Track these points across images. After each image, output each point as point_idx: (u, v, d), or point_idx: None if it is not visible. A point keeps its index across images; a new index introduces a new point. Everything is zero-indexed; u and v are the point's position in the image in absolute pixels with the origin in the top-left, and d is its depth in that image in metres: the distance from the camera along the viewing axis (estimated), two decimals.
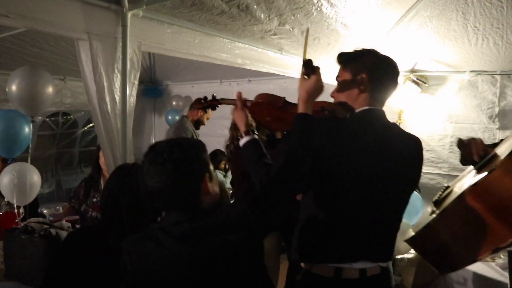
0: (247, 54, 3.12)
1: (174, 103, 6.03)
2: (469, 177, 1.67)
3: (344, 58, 1.65)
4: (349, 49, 3.76)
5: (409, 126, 4.41)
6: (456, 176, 4.07)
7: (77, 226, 2.53)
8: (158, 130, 6.66)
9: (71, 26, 2.01)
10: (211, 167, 1.41)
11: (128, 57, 2.23)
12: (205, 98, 1.98)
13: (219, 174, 5.01)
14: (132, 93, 2.28)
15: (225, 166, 5.31)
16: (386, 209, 1.54)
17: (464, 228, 1.48)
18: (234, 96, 5.93)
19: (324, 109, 1.58)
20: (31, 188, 2.66)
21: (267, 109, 1.74)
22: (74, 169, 5.95)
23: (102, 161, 3.02)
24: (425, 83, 4.25)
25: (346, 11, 3.02)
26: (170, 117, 5.87)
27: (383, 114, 1.61)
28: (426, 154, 4.36)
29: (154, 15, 2.38)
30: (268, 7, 2.62)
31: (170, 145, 1.33)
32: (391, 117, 4.29)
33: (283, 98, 1.74)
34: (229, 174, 5.04)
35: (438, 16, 3.43)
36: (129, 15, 2.19)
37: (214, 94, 2.01)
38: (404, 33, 3.67)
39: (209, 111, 4.54)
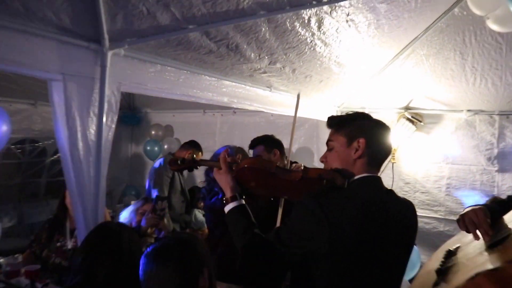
0: (234, 92, 3.10)
1: (153, 132, 5.98)
2: (478, 249, 1.63)
3: (336, 122, 1.65)
4: (342, 85, 3.82)
5: (403, 166, 4.44)
6: (453, 220, 4.15)
7: (37, 283, 2.41)
8: (135, 161, 6.57)
9: (44, 67, 1.94)
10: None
11: (106, 99, 2.17)
12: (183, 159, 1.91)
13: (199, 214, 4.93)
14: (108, 138, 2.21)
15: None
16: (390, 277, 1.58)
17: None
18: (217, 128, 5.89)
19: (322, 177, 1.53)
20: None
21: (256, 174, 1.68)
22: (39, 201, 5.75)
23: (68, 201, 2.94)
24: (420, 121, 4.30)
25: (340, 50, 3.05)
26: (148, 148, 5.81)
27: (380, 180, 1.60)
28: (421, 197, 4.38)
29: (137, 54, 2.34)
30: (259, 47, 2.62)
31: (170, 244, 1.48)
32: None
33: (275, 164, 1.69)
34: None
35: (435, 55, 3.50)
36: (109, 54, 2.14)
37: (194, 156, 1.94)
38: (399, 71, 3.73)
39: (200, 154, 4.51)
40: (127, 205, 5.04)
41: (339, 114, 4.51)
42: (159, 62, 2.51)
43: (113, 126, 2.25)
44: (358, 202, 1.47)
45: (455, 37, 3.29)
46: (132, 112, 6.36)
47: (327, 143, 1.65)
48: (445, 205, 4.26)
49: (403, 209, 1.63)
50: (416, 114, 4.31)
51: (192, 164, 1.87)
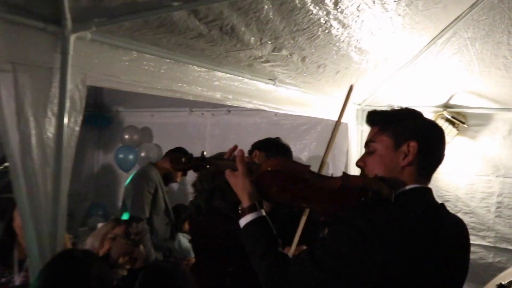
0: (229, 86, 3.11)
1: (126, 136, 6.00)
2: None
3: (382, 119, 1.68)
4: (364, 78, 3.82)
5: (441, 179, 4.43)
6: (505, 249, 4.12)
7: None
8: (102, 172, 6.59)
9: None
10: None
11: (68, 94, 2.16)
12: (190, 156, 1.91)
13: (183, 238, 4.93)
14: (70, 143, 2.21)
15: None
16: None
17: None
18: (207, 131, 5.92)
19: (367, 187, 1.54)
20: None
21: (282, 179, 1.68)
22: None
23: (17, 224, 2.93)
24: (463, 122, 4.29)
25: (362, 33, 3.06)
26: (121, 156, 5.82)
27: (431, 194, 1.63)
28: (464, 218, 4.25)
29: (107, 38, 2.34)
30: (261, 29, 2.62)
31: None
32: None
33: (308, 168, 1.69)
34: None
35: (483, 38, 3.48)
36: (72, 38, 2.13)
37: (204, 152, 1.93)
38: (436, 59, 3.73)
39: None
40: (92, 228, 5.04)
41: (360, 113, 4.53)
42: (135, 49, 2.51)
43: (77, 128, 2.25)
44: (411, 218, 1.49)
45: (510, 15, 3.25)
46: (99, 112, 6.39)
47: (367, 144, 1.68)
48: (495, 229, 4.24)
49: (458, 227, 1.66)
50: (458, 113, 4.31)
51: (200, 163, 1.87)
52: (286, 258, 1.59)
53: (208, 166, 1.91)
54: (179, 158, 1.90)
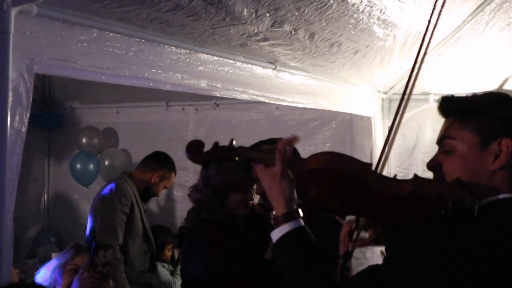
0: (217, 72, 3.13)
1: (84, 140, 5.98)
2: None
3: (462, 108, 1.61)
4: (390, 59, 3.85)
5: None
6: None
7: None
8: (55, 187, 6.58)
9: None
10: None
11: (11, 85, 2.19)
12: (216, 144, 1.86)
13: (163, 270, 4.93)
14: (15, 149, 2.24)
15: (172, 254, 5.25)
16: None
17: None
18: (190, 131, 5.92)
19: (445, 196, 1.50)
20: None
21: (331, 179, 1.64)
22: None
23: None
24: None
25: (387, 0, 3.07)
26: (78, 165, 5.80)
27: None
28: None
29: (59, 12, 2.37)
30: None
31: None
32: None
33: (370, 166, 1.67)
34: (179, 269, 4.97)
35: None
36: (13, 13, 2.15)
37: (233, 140, 1.89)
38: (484, 31, 3.71)
39: (173, 176, 4.51)
40: (43, 260, 5.04)
41: (387, 103, 4.54)
42: (95, 26, 2.54)
43: (24, 129, 2.28)
44: (505, 236, 1.43)
45: None
46: (48, 109, 6.36)
47: (441, 141, 1.63)
48: None
49: None
50: None
51: (227, 153, 1.84)
52: (331, 279, 1.58)
53: (236, 158, 1.85)
54: (199, 147, 1.86)
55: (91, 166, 5.79)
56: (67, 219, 6.38)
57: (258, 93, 3.45)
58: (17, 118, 2.25)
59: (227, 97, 3.41)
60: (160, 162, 4.48)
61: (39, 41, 2.35)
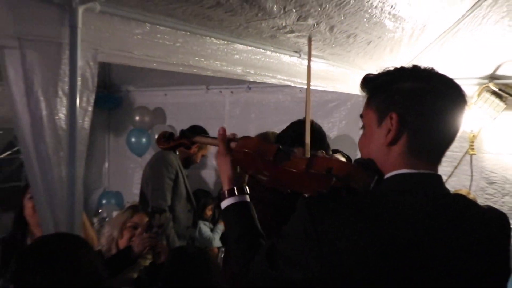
0: (250, 60, 3.13)
1: (137, 118, 6.04)
2: None
3: (370, 86, 1.46)
4: (399, 48, 3.80)
5: (486, 159, 4.42)
6: None
7: None
8: (114, 157, 6.70)
9: None
10: None
11: (79, 72, 2.21)
12: (171, 134, 1.94)
13: (204, 227, 4.99)
14: (84, 125, 2.26)
15: (213, 213, 5.30)
16: None
17: None
18: (226, 111, 5.95)
19: (332, 174, 1.42)
20: None
21: (251, 160, 1.67)
22: None
23: (29, 212, 3.00)
24: None
25: None
26: (133, 139, 5.88)
27: (434, 181, 1.38)
28: None
29: (118, 9, 2.37)
30: None
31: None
32: (459, 146, 4.41)
33: (276, 147, 1.64)
34: (220, 226, 5.02)
35: None
36: (80, 11, 2.16)
37: (183, 129, 1.97)
38: (480, 24, 3.66)
39: (206, 147, 4.53)
40: (103, 218, 5.14)
41: None
42: (148, 21, 2.53)
43: (90, 108, 2.30)
44: (381, 218, 1.26)
45: None
46: (108, 92, 6.43)
47: (360, 118, 1.50)
48: None
49: (479, 228, 1.37)
50: (506, 86, 4.26)
51: (185, 141, 1.89)
52: (258, 247, 1.53)
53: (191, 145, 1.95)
54: (163, 136, 2.02)
55: (143, 140, 5.86)
56: (124, 184, 6.48)
57: (284, 78, 3.45)
58: (84, 99, 2.28)
59: (259, 81, 3.41)
60: (193, 132, 4.46)
61: (102, 34, 2.37)
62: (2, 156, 5.85)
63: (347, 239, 1.23)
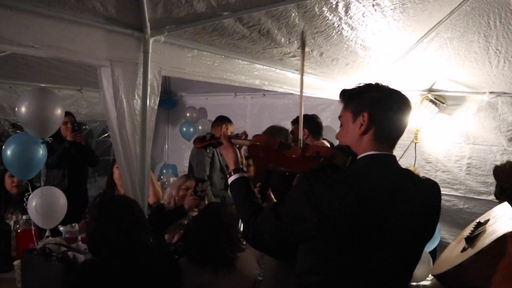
0: (265, 75, 3.11)
1: (188, 114, 6.04)
2: (506, 218, 1.63)
3: (346, 96, 1.47)
4: (367, 68, 3.76)
5: (425, 146, 4.38)
6: (472, 198, 4.10)
7: None
8: (171, 141, 6.70)
9: (94, 54, 2.02)
10: None
11: (149, 82, 2.23)
12: (204, 137, 1.97)
13: None
14: (151, 118, 2.28)
15: None
16: (398, 266, 1.39)
17: (499, 272, 1.45)
18: (248, 110, 5.84)
19: (320, 155, 1.44)
20: (58, 211, 2.68)
21: (263, 151, 1.66)
22: (88, 179, 5.99)
23: (116, 176, 3.04)
24: (443, 103, 4.20)
25: (366, 33, 3.00)
26: (184, 129, 5.88)
27: (391, 159, 1.40)
28: (442, 175, 4.31)
29: (175, 40, 2.38)
30: (289, 32, 2.61)
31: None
32: (407, 136, 4.36)
33: (279, 140, 1.64)
34: None
35: (459, 38, 3.38)
36: (151, 41, 2.19)
37: (213, 133, 2.01)
38: (423, 54, 3.63)
39: (232, 126, 4.48)
40: (164, 182, 5.17)
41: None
42: (196, 48, 2.54)
43: (156, 107, 2.32)
44: (356, 184, 1.29)
45: (480, 20, 3.14)
46: (168, 96, 6.42)
47: (339, 119, 1.50)
48: (465, 183, 4.17)
49: (421, 191, 1.39)
50: (439, 96, 4.20)
51: (213, 141, 1.91)
52: (259, 206, 1.53)
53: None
54: (199, 138, 1.99)
55: (191, 129, 5.84)
56: (178, 159, 6.50)
57: (289, 88, 3.43)
58: (152, 101, 2.29)
59: (271, 90, 3.38)
60: (222, 119, 4.43)
61: (164, 56, 2.38)
62: (98, 139, 5.92)
63: (333, 199, 1.26)
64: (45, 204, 2.59)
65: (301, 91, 2.16)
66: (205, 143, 1.93)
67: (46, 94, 2.63)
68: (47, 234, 2.73)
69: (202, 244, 2.09)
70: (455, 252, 1.88)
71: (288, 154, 1.57)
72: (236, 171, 1.65)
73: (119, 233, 1.80)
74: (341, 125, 1.48)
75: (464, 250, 1.75)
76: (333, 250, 1.32)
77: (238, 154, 1.73)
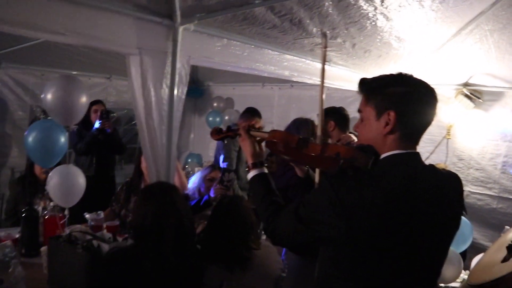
0: (295, 66, 3.03)
1: (215, 104, 6.02)
2: None
3: (366, 88, 1.36)
4: (401, 61, 3.62)
5: (458, 142, 4.22)
6: (507, 198, 3.92)
7: (118, 237, 2.53)
8: (197, 130, 6.71)
9: (123, 42, 1.99)
10: None
11: (177, 71, 2.19)
12: (220, 129, 1.89)
13: None
14: (178, 107, 2.24)
15: None
16: (427, 263, 1.34)
17: None
18: (275, 101, 5.76)
19: (340, 156, 1.35)
20: (76, 190, 2.64)
21: (282, 147, 1.59)
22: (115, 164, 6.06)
23: (144, 166, 3.03)
24: (479, 98, 4.02)
25: (401, 24, 2.86)
26: (210, 119, 5.87)
27: (416, 157, 1.32)
28: (475, 173, 4.15)
29: (205, 29, 2.32)
30: (322, 21, 2.51)
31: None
32: (439, 132, 4.19)
33: (297, 137, 1.57)
34: None
35: (500, 30, 3.19)
36: (180, 29, 2.14)
37: (230, 125, 1.94)
38: (460, 46, 3.46)
39: (261, 120, 4.39)
40: (189, 172, 5.17)
41: None
42: (225, 37, 2.47)
43: (183, 97, 2.27)
44: (382, 186, 1.21)
45: None
46: (195, 85, 6.40)
47: (358, 112, 1.39)
48: (500, 182, 4.00)
49: (446, 186, 1.35)
50: (475, 91, 4.03)
51: (231, 133, 1.84)
52: (279, 204, 1.46)
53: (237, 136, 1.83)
54: (216, 130, 1.91)
55: (217, 119, 5.83)
56: (203, 148, 6.51)
57: (318, 79, 3.31)
58: (180, 90, 2.25)
59: (300, 81, 3.28)
60: (253, 112, 4.32)
61: (193, 45, 2.32)
62: (125, 126, 5.97)
63: (361, 204, 1.19)
64: (63, 183, 2.55)
65: (322, 84, 2.04)
66: (222, 135, 1.87)
67: (72, 81, 2.61)
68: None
69: (216, 241, 2.01)
70: (494, 261, 1.77)
71: (307, 152, 1.51)
72: (254, 165, 1.59)
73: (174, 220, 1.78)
74: (361, 119, 1.37)
75: (505, 260, 1.64)
76: (361, 256, 1.25)
77: (257, 147, 1.65)
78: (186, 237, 1.81)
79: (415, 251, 1.26)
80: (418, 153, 1.33)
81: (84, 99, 2.52)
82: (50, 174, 2.65)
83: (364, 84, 1.36)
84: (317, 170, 1.92)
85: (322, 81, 2.09)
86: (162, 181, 2.16)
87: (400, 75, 1.32)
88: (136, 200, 2.44)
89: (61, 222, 2.57)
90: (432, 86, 1.34)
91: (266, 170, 1.60)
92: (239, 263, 1.95)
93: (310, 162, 1.58)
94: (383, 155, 1.30)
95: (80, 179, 2.69)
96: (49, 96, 2.46)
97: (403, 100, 1.27)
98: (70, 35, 1.74)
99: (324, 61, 2.04)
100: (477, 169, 4.13)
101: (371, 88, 1.34)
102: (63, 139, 2.64)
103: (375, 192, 1.20)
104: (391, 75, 1.33)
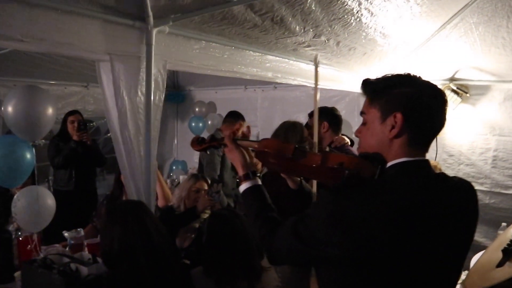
0: (278, 67, 2.90)
1: (197, 109, 5.89)
2: None
3: (370, 89, 1.24)
4: (386, 58, 3.53)
5: (447, 138, 4.15)
6: (499, 193, 3.86)
7: (98, 258, 2.37)
8: (181, 136, 6.56)
9: (91, 47, 1.82)
10: None
11: (153, 77, 2.03)
12: (202, 139, 1.70)
13: None
14: (156, 116, 2.09)
15: None
16: (443, 283, 1.22)
17: None
18: (258, 104, 5.62)
19: (344, 167, 1.20)
20: (46, 213, 2.46)
21: (274, 158, 1.43)
22: (97, 177, 5.87)
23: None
24: (466, 92, 3.97)
25: (386, 20, 2.77)
26: (193, 124, 5.75)
27: (425, 165, 1.20)
28: (465, 169, 4.08)
29: (181, 31, 2.18)
30: (304, 19, 2.40)
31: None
32: None
33: (293, 147, 1.39)
34: None
35: (485, 22, 3.14)
36: (154, 32, 1.99)
37: (213, 134, 1.76)
38: (445, 41, 3.40)
39: (245, 123, 4.22)
40: (174, 179, 5.01)
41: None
42: (203, 39, 2.33)
43: (161, 105, 2.12)
44: (390, 199, 1.09)
45: (510, 2, 2.90)
46: (176, 91, 6.30)
47: (361, 115, 1.27)
48: (491, 177, 3.94)
49: (458, 197, 1.22)
50: (462, 85, 3.97)
51: (214, 143, 1.67)
52: (275, 221, 1.31)
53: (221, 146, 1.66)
54: (196, 140, 1.72)
55: (200, 124, 5.72)
56: (187, 155, 6.35)
57: (302, 80, 3.22)
58: (157, 97, 2.10)
59: (284, 82, 3.17)
60: (236, 115, 4.14)
61: (169, 49, 2.18)
62: (106, 136, 5.78)
63: (366, 220, 1.06)
64: (30, 205, 2.35)
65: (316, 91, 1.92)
66: (205, 145, 1.67)
67: (35, 91, 2.39)
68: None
69: (220, 254, 1.84)
70: (490, 264, 1.69)
71: (305, 162, 1.33)
72: (246, 177, 1.43)
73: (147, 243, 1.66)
74: (364, 123, 1.25)
75: (500, 264, 1.54)
76: (368, 277, 1.11)
77: (246, 156, 1.49)
78: (160, 255, 1.66)
79: (426, 271, 1.13)
80: (427, 161, 1.20)
81: (50, 111, 2.32)
82: (15, 197, 2.46)
83: (368, 84, 1.25)
84: (314, 182, 1.77)
85: (316, 87, 1.96)
86: (126, 199, 2.03)
87: (408, 76, 1.21)
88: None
89: (34, 244, 2.39)
90: None
91: (259, 181, 1.44)
92: (249, 277, 1.82)
93: (309, 174, 1.40)
94: (389, 163, 1.18)
95: (49, 201, 2.50)
96: (9, 109, 2.24)
97: (411, 101, 1.16)
98: (30, 41, 1.57)
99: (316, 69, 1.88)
100: (467, 165, 4.07)
101: (376, 89, 1.22)
102: (29, 155, 2.40)
103: (382, 207, 1.07)
104: (398, 75, 1.22)
